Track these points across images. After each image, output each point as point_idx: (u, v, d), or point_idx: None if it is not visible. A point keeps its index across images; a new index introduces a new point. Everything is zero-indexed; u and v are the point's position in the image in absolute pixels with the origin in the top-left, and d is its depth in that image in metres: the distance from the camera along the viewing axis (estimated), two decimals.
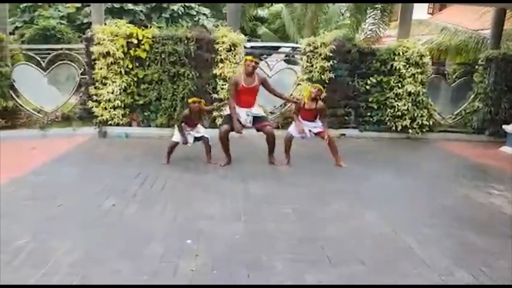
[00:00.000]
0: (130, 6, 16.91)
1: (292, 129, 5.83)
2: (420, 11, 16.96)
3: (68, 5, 16.07)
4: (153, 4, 17.76)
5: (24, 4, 16.40)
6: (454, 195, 4.85)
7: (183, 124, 5.46)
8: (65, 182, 4.64)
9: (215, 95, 7.25)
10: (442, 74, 9.63)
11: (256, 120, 5.52)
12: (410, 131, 7.94)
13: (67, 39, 11.37)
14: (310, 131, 5.76)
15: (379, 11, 8.01)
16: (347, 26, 18.07)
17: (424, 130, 8.04)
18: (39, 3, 16.11)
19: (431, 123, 8.07)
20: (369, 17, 8.23)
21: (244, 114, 5.43)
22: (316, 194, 4.58)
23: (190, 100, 5.45)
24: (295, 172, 5.45)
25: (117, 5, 16.51)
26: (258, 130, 5.65)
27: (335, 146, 5.80)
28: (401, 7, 8.62)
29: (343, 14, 21.84)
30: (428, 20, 14.92)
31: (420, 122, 7.94)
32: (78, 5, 16.11)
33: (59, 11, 16.15)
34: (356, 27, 10.50)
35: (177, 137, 5.47)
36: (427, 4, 20.03)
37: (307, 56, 7.65)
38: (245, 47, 7.68)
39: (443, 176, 5.70)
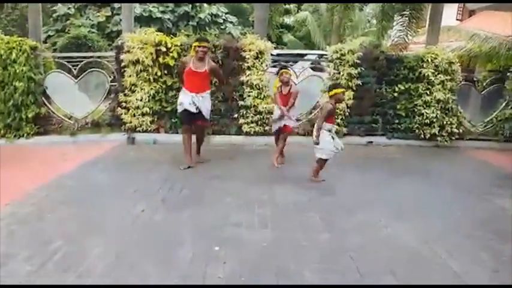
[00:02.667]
0: (158, 14, 17.26)
1: (273, 122, 6.02)
2: (449, 17, 16.62)
3: (98, 13, 16.53)
4: (181, 12, 18.07)
5: (57, 13, 16.96)
6: (489, 206, 4.70)
7: None
8: (95, 187, 4.73)
9: (242, 102, 7.28)
10: (472, 81, 9.40)
11: (195, 116, 5.43)
12: (439, 138, 7.77)
13: (97, 47, 11.70)
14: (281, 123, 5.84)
15: (407, 18, 7.88)
16: (373, 33, 18.00)
17: (453, 138, 7.85)
18: (71, 12, 16.61)
19: (461, 131, 7.88)
20: (397, 23, 8.11)
21: (189, 99, 5.34)
22: (345, 203, 4.52)
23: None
24: (325, 179, 5.37)
25: (145, 13, 16.89)
26: (196, 125, 5.63)
27: (283, 145, 5.92)
28: (431, 13, 8.48)
29: (369, 21, 21.73)
30: (457, 26, 14.58)
31: (449, 130, 7.76)
32: (108, 13, 16.55)
33: (90, 19, 16.64)
34: (382, 34, 10.38)
35: None
36: (456, 10, 19.62)
37: (334, 63, 7.60)
38: (271, 54, 7.71)
39: (476, 185, 5.52)
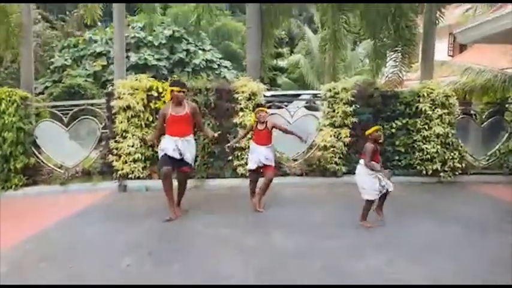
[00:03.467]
0: (153, 62, 17.50)
1: (249, 161, 5.63)
2: (441, 53, 16.86)
3: (94, 63, 16.75)
4: (176, 59, 18.35)
5: (54, 65, 17.21)
6: (502, 245, 4.38)
7: None
8: (80, 240, 4.45)
9: (236, 144, 7.09)
10: (469, 115, 9.29)
11: (178, 162, 5.11)
12: (441, 174, 7.53)
13: (90, 95, 11.69)
14: (260, 161, 5.43)
15: (399, 54, 7.88)
16: (367, 72, 18.19)
17: (456, 173, 7.61)
18: (67, 63, 16.85)
19: (463, 165, 7.65)
20: (390, 59, 8.10)
21: (172, 144, 5.03)
22: (349, 246, 4.23)
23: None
24: (325, 222, 5.10)
25: (140, 61, 17.12)
26: (179, 171, 5.27)
27: (265, 189, 5.50)
28: (423, 48, 8.50)
29: (362, 61, 22.05)
30: (450, 61, 14.75)
31: (452, 165, 7.54)
32: (104, 63, 16.76)
33: (86, 69, 16.84)
34: (377, 71, 10.40)
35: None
36: (447, 46, 19.97)
37: (328, 101, 7.51)
38: (265, 96, 7.63)
39: (486, 223, 5.22)
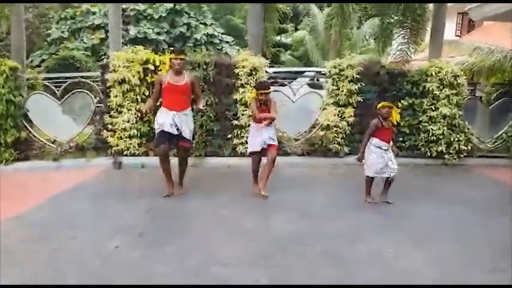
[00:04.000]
0: (153, 36, 17.08)
1: (250, 143, 5.18)
2: (447, 33, 16.36)
3: (92, 36, 16.34)
4: (176, 33, 17.90)
5: (51, 37, 16.80)
6: (509, 230, 4.19)
7: None
8: (68, 218, 4.24)
9: (236, 122, 6.86)
10: (476, 96, 9.01)
11: (179, 137, 4.82)
12: (446, 156, 7.30)
13: (86, 68, 11.31)
14: (264, 142, 4.99)
15: (409, 30, 7.52)
16: (372, 51, 17.74)
17: (461, 156, 7.38)
18: (65, 36, 16.43)
19: (469, 148, 7.41)
20: (398, 36, 7.75)
21: (170, 119, 4.74)
22: (351, 231, 4.04)
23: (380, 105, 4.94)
24: (326, 204, 4.90)
25: (140, 35, 16.70)
26: (178, 147, 4.99)
27: (270, 170, 5.05)
28: (432, 25, 8.13)
29: (367, 39, 21.55)
30: (458, 40, 14.30)
31: (457, 147, 7.30)
32: (103, 35, 16.33)
33: (84, 42, 16.44)
34: (382, 50, 10.03)
35: None
36: (455, 26, 19.44)
37: (333, 79, 7.20)
38: (267, 72, 7.32)
39: (492, 207, 5.04)
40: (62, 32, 16.85)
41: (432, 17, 8.37)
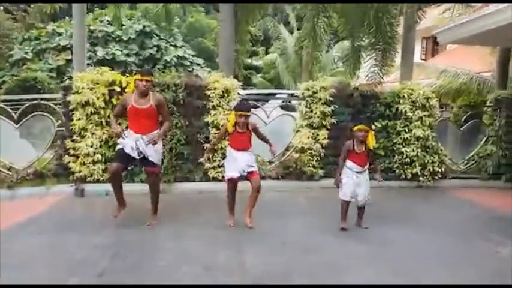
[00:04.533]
0: (122, 57, 16.70)
1: (227, 169, 4.76)
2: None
3: (57, 57, 15.80)
4: (146, 55, 17.59)
5: (14, 58, 16.14)
6: (495, 255, 4.07)
7: None
8: (19, 255, 3.79)
9: (207, 145, 6.56)
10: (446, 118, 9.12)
11: (144, 159, 4.54)
12: (421, 178, 7.26)
13: (48, 89, 10.77)
14: (243, 170, 4.60)
15: (380, 53, 7.55)
16: (341, 74, 17.98)
17: (436, 177, 7.35)
18: (28, 57, 15.82)
19: (443, 169, 7.40)
20: (370, 58, 7.77)
21: (132, 142, 4.44)
22: (331, 261, 3.79)
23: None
24: (304, 233, 4.65)
25: (108, 56, 16.30)
26: (145, 172, 4.79)
27: (256, 200, 4.69)
28: (403, 48, 8.22)
29: (336, 62, 21.91)
30: (425, 63, 14.71)
31: (431, 169, 7.27)
32: (69, 57, 15.80)
33: (49, 63, 15.86)
34: (353, 72, 10.06)
35: None
36: (420, 50, 20.06)
37: (306, 101, 7.08)
38: (239, 94, 7.12)
39: (472, 231, 4.95)
40: (26, 52, 16.24)
41: (403, 40, 8.47)
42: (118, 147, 4.63)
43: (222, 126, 5.29)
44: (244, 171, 4.62)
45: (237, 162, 4.62)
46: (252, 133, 4.76)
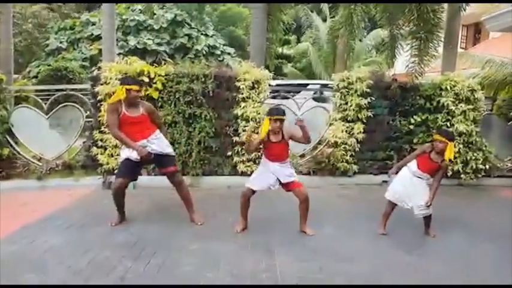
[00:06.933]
0: (153, 46, 16.69)
1: (253, 178, 4.32)
2: None
3: (91, 46, 15.97)
4: (177, 44, 17.52)
5: (49, 47, 16.44)
6: None
7: None
8: (39, 255, 3.65)
9: (236, 138, 6.35)
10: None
11: (160, 161, 4.38)
12: (463, 176, 6.80)
13: (79, 79, 10.82)
14: (278, 179, 4.21)
15: (422, 41, 7.04)
16: (375, 63, 17.28)
17: (479, 175, 6.87)
18: (63, 46, 16.08)
19: (487, 167, 6.89)
20: (411, 47, 7.27)
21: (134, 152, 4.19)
22: (367, 270, 3.49)
23: None
24: (337, 237, 4.32)
25: (139, 45, 16.33)
26: (163, 174, 4.54)
27: (307, 210, 4.26)
28: (445, 36, 7.67)
29: (370, 51, 21.16)
30: (469, 52, 13.86)
31: (474, 166, 6.78)
32: (101, 46, 15.98)
33: (83, 53, 16.06)
34: (392, 61, 9.53)
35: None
36: (460, 39, 19.02)
37: (341, 92, 6.73)
38: (270, 85, 6.84)
39: None
40: (61, 42, 16.51)
41: (446, 26, 7.91)
42: (122, 157, 4.37)
43: (256, 133, 4.91)
44: (274, 187, 4.25)
45: (267, 175, 4.24)
46: (289, 141, 4.30)
